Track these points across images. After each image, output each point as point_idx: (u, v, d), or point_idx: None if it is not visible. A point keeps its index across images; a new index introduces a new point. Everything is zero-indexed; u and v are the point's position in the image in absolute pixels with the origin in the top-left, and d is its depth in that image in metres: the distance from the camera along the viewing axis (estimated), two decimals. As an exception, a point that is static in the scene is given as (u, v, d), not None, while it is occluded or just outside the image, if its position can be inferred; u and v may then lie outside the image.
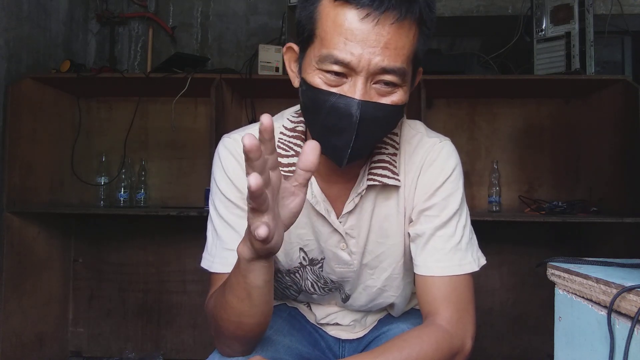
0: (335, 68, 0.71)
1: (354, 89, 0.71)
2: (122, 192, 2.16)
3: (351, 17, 0.69)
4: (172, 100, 2.12)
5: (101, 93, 2.30)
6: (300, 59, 0.78)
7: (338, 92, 0.72)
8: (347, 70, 0.71)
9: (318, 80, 0.73)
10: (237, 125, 2.13)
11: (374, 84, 0.72)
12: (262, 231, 0.57)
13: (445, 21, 2.36)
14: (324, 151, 0.78)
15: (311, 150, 0.60)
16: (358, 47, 0.69)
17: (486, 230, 2.14)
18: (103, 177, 2.21)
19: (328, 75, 0.72)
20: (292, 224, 0.67)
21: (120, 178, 2.17)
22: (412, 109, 2.02)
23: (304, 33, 0.75)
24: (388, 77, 0.71)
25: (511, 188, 2.23)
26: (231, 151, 0.86)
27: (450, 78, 1.95)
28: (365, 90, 0.71)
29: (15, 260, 1.90)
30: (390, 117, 0.75)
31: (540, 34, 2.02)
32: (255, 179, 0.54)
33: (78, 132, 2.24)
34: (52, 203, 2.09)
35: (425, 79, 1.87)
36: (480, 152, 2.27)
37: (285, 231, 0.66)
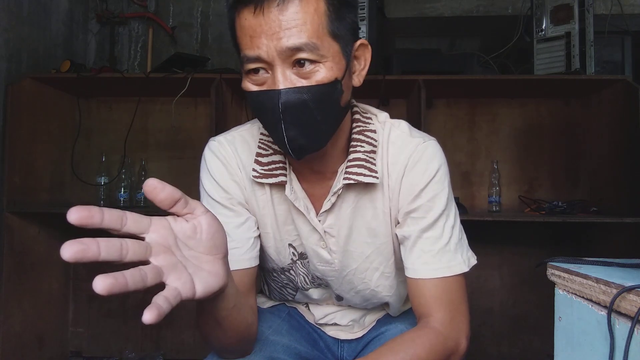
0: (252, 65, 0.73)
1: (275, 81, 0.72)
2: (122, 192, 2.16)
3: (247, 16, 0.71)
4: (172, 100, 2.12)
5: (101, 93, 2.30)
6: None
7: (263, 89, 0.73)
8: (264, 65, 0.72)
9: (248, 84, 0.76)
10: (237, 125, 2.13)
11: (293, 68, 0.72)
12: (146, 317, 0.47)
13: (445, 21, 2.36)
14: (280, 148, 0.80)
15: (151, 190, 0.54)
16: (262, 39, 0.70)
17: (486, 230, 2.17)
18: (103, 177, 2.21)
19: (253, 77, 0.74)
20: (225, 243, 0.59)
21: (120, 178, 2.17)
22: (412, 109, 2.02)
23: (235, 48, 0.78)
24: (301, 55, 0.71)
25: (511, 188, 2.23)
26: (216, 153, 0.88)
27: (450, 78, 1.95)
28: (284, 77, 0.71)
29: (15, 260, 1.90)
30: (320, 97, 0.73)
31: (540, 34, 2.02)
32: (101, 285, 0.43)
33: (78, 132, 2.24)
34: (52, 203, 2.09)
35: (425, 79, 1.87)
36: (480, 152, 2.27)
37: (221, 256, 0.58)
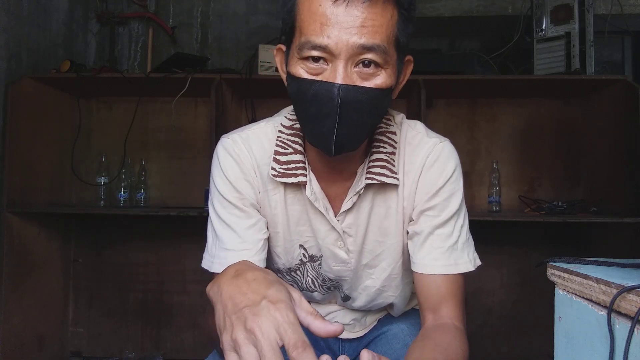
0: (315, 53, 0.71)
1: (335, 74, 0.70)
2: (122, 192, 2.16)
3: (324, 3, 0.69)
4: (172, 100, 2.12)
5: (101, 93, 2.30)
6: (286, 56, 0.79)
7: (320, 79, 0.72)
8: (326, 56, 0.71)
9: (300, 70, 0.73)
10: (237, 125, 2.12)
11: (355, 67, 0.72)
12: None
13: (445, 21, 2.36)
14: (313, 142, 0.78)
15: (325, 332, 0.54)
16: (334, 30, 0.69)
17: (486, 230, 2.16)
18: (103, 177, 2.21)
19: (309, 64, 0.72)
20: None
21: (120, 178, 2.17)
22: (412, 109, 2.02)
23: (286, 29, 0.76)
24: (369, 56, 0.70)
25: (511, 188, 2.23)
26: (229, 152, 0.86)
27: (450, 78, 1.95)
28: (346, 74, 0.71)
29: (15, 260, 1.90)
30: (375, 101, 0.74)
31: (540, 34, 2.02)
32: None
33: (78, 132, 2.24)
34: (52, 203, 2.09)
35: (425, 79, 1.87)
36: (480, 152, 2.27)
37: None
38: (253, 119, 2.17)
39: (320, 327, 0.54)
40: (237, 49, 2.41)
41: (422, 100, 1.86)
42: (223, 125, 1.94)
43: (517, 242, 2.25)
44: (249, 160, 0.86)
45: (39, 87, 2.00)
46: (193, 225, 2.23)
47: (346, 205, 0.86)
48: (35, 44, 2.05)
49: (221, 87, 1.95)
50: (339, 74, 0.70)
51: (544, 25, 2.01)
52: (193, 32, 2.44)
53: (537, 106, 2.25)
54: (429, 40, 2.39)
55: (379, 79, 0.73)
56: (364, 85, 0.72)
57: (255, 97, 2.19)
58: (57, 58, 2.16)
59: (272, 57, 1.99)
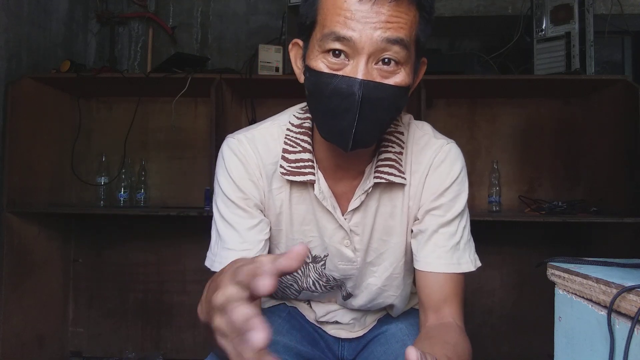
0: (337, 45, 0.71)
1: (356, 69, 0.71)
2: (122, 192, 2.16)
3: None
4: (172, 100, 2.12)
5: (101, 93, 2.30)
6: (305, 49, 0.78)
7: (341, 74, 0.72)
8: (348, 50, 0.71)
9: (321, 64, 0.73)
10: (237, 125, 2.13)
11: (376, 64, 0.72)
12: None
13: (445, 21, 2.36)
14: (328, 137, 0.78)
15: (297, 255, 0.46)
16: (359, 24, 0.69)
17: (486, 230, 2.16)
18: (103, 177, 2.21)
19: (330, 59, 0.72)
20: None
21: (120, 178, 2.17)
22: (412, 109, 2.02)
23: (306, 22, 0.76)
24: (391, 52, 0.71)
25: (511, 188, 2.23)
26: (235, 152, 0.86)
27: (450, 78, 1.95)
28: (367, 70, 0.71)
29: (15, 260, 1.90)
30: (394, 99, 0.74)
31: (540, 34, 2.02)
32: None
33: (78, 132, 2.24)
34: (52, 203, 2.09)
35: (425, 79, 1.84)
36: (480, 152, 2.27)
37: None
38: (253, 119, 2.17)
39: (286, 260, 0.46)
40: (237, 49, 2.41)
41: (422, 100, 1.86)
42: (223, 125, 1.94)
43: (517, 242, 2.25)
44: (254, 160, 0.86)
45: (39, 87, 2.00)
46: (193, 225, 2.23)
47: (354, 203, 0.86)
48: (35, 44, 2.05)
49: (221, 87, 1.95)
50: (360, 70, 0.70)
51: (544, 25, 2.01)
52: (193, 32, 2.44)
53: (537, 106, 2.25)
54: (429, 40, 2.38)
55: (399, 77, 0.73)
56: (384, 83, 0.72)
57: (255, 97, 2.19)
58: (57, 58, 2.16)
59: (272, 57, 1.98)
